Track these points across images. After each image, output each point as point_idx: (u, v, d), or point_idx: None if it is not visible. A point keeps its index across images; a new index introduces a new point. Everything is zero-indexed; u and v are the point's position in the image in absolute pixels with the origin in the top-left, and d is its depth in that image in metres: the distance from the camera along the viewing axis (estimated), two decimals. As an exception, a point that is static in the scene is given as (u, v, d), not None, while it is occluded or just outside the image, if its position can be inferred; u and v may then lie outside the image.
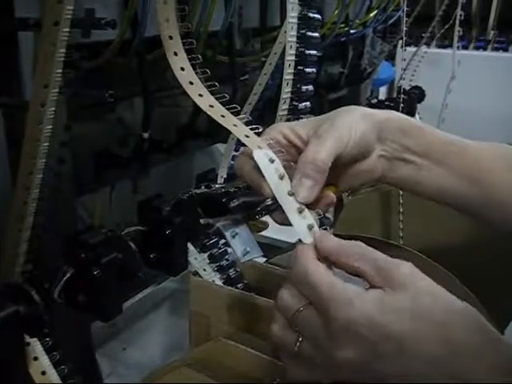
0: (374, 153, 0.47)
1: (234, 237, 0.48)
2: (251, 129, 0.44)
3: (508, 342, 0.36)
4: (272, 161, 0.41)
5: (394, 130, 0.47)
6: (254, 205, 0.52)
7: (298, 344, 0.38)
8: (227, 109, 0.45)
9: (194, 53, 0.46)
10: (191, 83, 0.45)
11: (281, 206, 0.41)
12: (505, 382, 0.34)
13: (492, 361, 0.35)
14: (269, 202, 0.44)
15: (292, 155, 0.45)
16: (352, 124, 0.45)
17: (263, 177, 0.41)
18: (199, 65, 0.46)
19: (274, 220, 0.44)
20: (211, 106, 0.44)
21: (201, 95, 0.45)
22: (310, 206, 0.42)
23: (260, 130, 0.44)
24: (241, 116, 0.45)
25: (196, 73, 0.47)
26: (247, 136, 0.43)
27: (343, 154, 0.44)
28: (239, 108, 0.46)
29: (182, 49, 0.46)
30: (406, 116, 0.49)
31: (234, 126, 0.44)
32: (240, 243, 0.48)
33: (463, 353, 0.35)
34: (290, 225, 0.41)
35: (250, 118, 0.44)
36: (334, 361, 0.37)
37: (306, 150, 0.43)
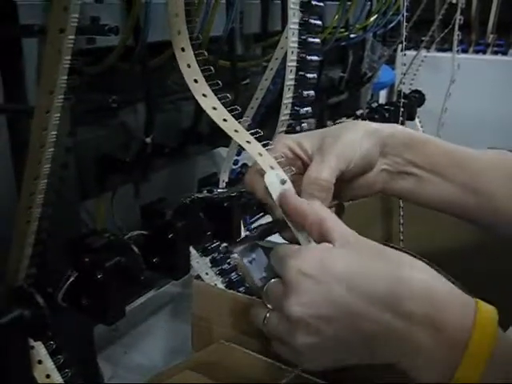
0: (376, 167, 0.48)
1: (251, 263, 0.49)
2: (262, 144, 0.44)
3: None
4: (283, 182, 0.42)
5: (398, 145, 0.48)
6: (270, 230, 0.53)
7: (265, 319, 0.39)
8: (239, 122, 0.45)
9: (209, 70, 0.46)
10: (204, 95, 0.45)
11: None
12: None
13: (450, 297, 0.35)
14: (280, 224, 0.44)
15: (298, 167, 0.46)
16: (356, 141, 0.45)
17: (273, 199, 0.42)
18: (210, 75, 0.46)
19: (284, 238, 0.44)
20: (225, 120, 0.45)
21: (215, 108, 0.45)
22: None
23: (271, 146, 0.44)
24: (253, 131, 0.46)
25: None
26: (260, 154, 0.43)
27: (347, 170, 0.45)
28: (249, 120, 0.46)
29: (195, 61, 0.46)
30: (410, 130, 0.50)
31: (248, 142, 0.44)
32: (258, 269, 0.49)
33: (418, 291, 0.35)
34: (299, 243, 0.42)
35: (261, 132, 0.44)
36: (289, 317, 0.37)
37: (309, 168, 0.44)
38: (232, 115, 0.45)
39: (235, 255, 0.51)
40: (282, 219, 0.42)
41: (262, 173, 0.42)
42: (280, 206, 0.41)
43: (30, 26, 0.54)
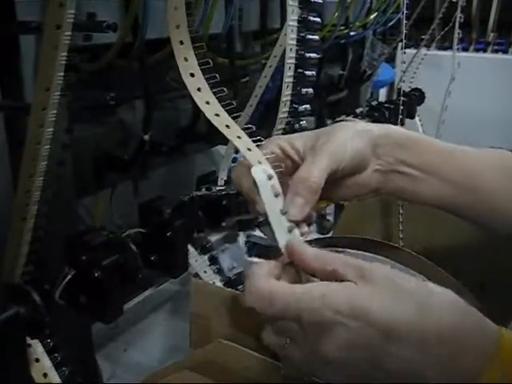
0: (369, 167, 0.48)
1: (223, 251, 0.49)
2: (253, 140, 0.44)
3: (490, 322, 0.36)
4: (270, 177, 0.42)
5: (391, 145, 0.48)
6: (248, 223, 0.53)
7: (285, 346, 0.39)
8: (232, 117, 0.45)
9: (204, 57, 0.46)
10: (199, 90, 0.45)
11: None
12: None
13: (477, 343, 0.35)
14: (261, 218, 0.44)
15: (288, 168, 0.46)
16: (347, 141, 0.45)
17: (258, 193, 0.42)
18: (208, 70, 0.46)
19: (264, 234, 0.44)
20: (217, 115, 0.44)
21: (208, 103, 0.45)
22: (300, 221, 0.43)
23: (262, 142, 0.44)
24: (246, 125, 0.45)
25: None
26: (249, 149, 0.43)
27: (338, 170, 0.45)
28: (239, 115, 0.46)
29: (193, 56, 0.45)
30: (403, 130, 0.50)
31: (238, 137, 0.44)
32: (228, 258, 0.49)
33: (449, 335, 0.35)
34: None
35: (254, 128, 0.44)
36: (322, 358, 0.37)
37: (300, 168, 0.44)
38: (226, 110, 0.44)
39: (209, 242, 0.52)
40: (264, 214, 0.42)
41: (249, 167, 0.42)
42: (287, 255, 0.41)
43: (28, 22, 0.53)
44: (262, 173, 0.42)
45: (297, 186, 0.43)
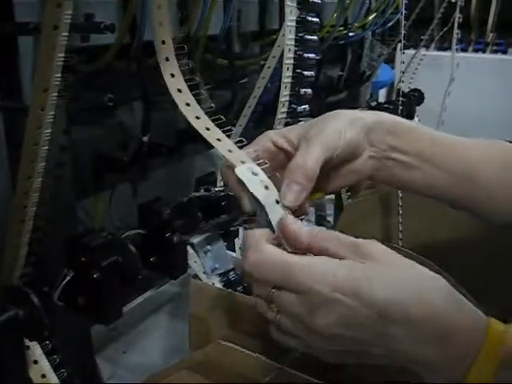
0: (363, 154, 0.48)
1: (206, 253, 0.49)
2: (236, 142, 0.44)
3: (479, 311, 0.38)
4: (255, 174, 0.42)
5: (383, 132, 0.48)
6: (228, 223, 0.53)
7: (277, 318, 0.39)
8: (213, 120, 0.45)
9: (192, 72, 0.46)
10: (188, 104, 0.45)
11: (258, 220, 0.42)
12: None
13: (465, 322, 0.36)
14: (245, 217, 0.44)
15: (281, 161, 0.46)
16: (341, 129, 0.46)
17: (247, 191, 0.42)
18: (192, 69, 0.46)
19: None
20: (197, 118, 0.45)
21: (188, 104, 0.45)
22: (296, 212, 0.43)
23: (244, 143, 0.44)
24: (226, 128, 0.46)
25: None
26: (230, 151, 0.43)
27: (332, 158, 0.45)
28: (224, 119, 0.46)
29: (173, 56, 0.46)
30: (396, 117, 0.50)
31: (218, 140, 0.44)
32: (211, 260, 0.49)
33: (442, 315, 0.36)
34: None
35: (233, 129, 0.44)
36: (315, 332, 0.37)
37: (295, 156, 0.44)
38: (206, 113, 0.45)
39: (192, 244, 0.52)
40: (250, 211, 0.42)
41: (233, 168, 0.43)
42: (281, 232, 0.41)
43: (26, 23, 0.53)
44: (247, 171, 0.42)
45: (292, 173, 0.43)
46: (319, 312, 0.36)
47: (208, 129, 0.44)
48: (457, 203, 0.50)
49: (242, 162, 0.42)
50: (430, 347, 0.36)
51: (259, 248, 0.39)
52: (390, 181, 0.50)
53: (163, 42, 0.45)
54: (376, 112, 0.50)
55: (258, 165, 0.43)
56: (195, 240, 0.49)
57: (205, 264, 0.48)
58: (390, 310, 0.36)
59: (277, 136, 0.47)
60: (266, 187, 0.42)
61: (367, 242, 0.39)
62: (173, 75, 0.45)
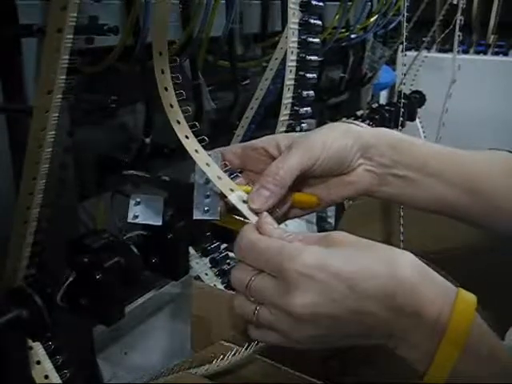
0: (358, 167, 0.48)
1: (136, 203, 0.51)
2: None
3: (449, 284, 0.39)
4: (245, 202, 0.45)
5: (384, 146, 0.48)
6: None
7: (255, 313, 0.40)
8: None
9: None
10: (178, 122, 0.46)
11: None
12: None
13: (433, 291, 0.37)
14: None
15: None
16: (328, 138, 0.47)
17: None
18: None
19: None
20: (187, 138, 0.47)
21: (179, 122, 0.47)
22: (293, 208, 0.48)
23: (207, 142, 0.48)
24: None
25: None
26: (219, 177, 0.45)
27: (315, 166, 0.46)
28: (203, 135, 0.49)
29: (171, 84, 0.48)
30: (396, 132, 0.50)
31: (207, 165, 0.46)
32: (137, 209, 0.50)
33: (408, 287, 0.37)
34: None
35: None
36: (291, 314, 0.38)
37: (272, 163, 0.46)
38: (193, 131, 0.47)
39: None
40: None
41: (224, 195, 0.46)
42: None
43: (30, 25, 0.54)
44: (237, 198, 0.45)
45: (264, 179, 0.45)
46: (294, 292, 0.37)
47: (197, 151, 0.47)
48: (460, 216, 0.50)
49: (232, 190, 0.45)
50: (404, 319, 0.37)
51: (244, 235, 0.41)
52: (391, 196, 0.50)
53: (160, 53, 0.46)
54: (376, 128, 0.51)
55: (231, 174, 0.46)
56: (137, 193, 0.51)
57: (129, 210, 0.49)
58: (360, 282, 0.37)
59: (269, 145, 0.49)
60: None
61: (334, 232, 0.40)
62: (166, 89, 0.47)
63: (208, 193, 0.46)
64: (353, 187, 0.49)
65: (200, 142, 0.48)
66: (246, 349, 0.53)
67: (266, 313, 0.39)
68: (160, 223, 0.51)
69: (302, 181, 0.48)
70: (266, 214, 0.43)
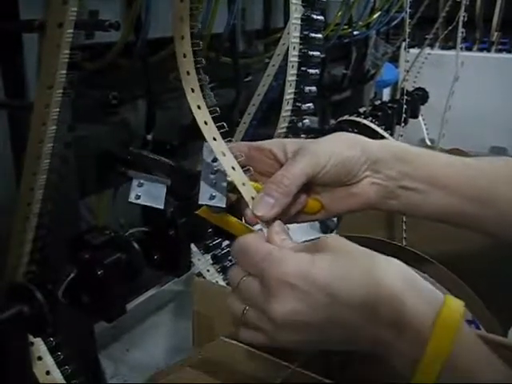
0: (364, 179, 0.48)
1: (139, 185, 0.51)
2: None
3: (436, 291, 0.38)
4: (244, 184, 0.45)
5: (391, 159, 0.48)
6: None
7: (244, 313, 0.40)
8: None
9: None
10: (199, 107, 0.46)
11: None
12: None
13: (416, 300, 0.36)
14: None
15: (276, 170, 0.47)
16: (334, 149, 0.46)
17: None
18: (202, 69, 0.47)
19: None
20: (206, 123, 0.46)
21: (199, 107, 0.46)
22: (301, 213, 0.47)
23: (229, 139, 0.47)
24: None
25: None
26: (233, 168, 0.45)
27: (320, 175, 0.46)
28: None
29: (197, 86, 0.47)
30: (403, 143, 0.50)
31: (223, 154, 0.45)
32: (139, 190, 0.50)
33: (389, 296, 0.36)
34: None
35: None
36: (272, 320, 0.38)
37: (277, 172, 0.45)
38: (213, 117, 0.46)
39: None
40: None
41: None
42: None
43: (31, 21, 0.53)
44: (247, 193, 0.44)
45: (269, 187, 0.44)
46: (275, 298, 0.38)
47: (215, 139, 0.46)
48: (468, 225, 0.49)
49: (243, 185, 0.45)
50: (386, 328, 0.36)
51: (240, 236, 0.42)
52: (403, 209, 0.50)
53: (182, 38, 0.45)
54: (383, 140, 0.50)
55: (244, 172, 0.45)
56: (140, 176, 0.51)
57: (131, 190, 0.49)
58: (340, 290, 0.37)
59: (277, 149, 0.48)
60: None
61: (326, 236, 0.40)
62: (188, 73, 0.46)
63: (215, 180, 0.45)
64: (357, 199, 0.49)
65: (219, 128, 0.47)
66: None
67: (253, 314, 0.40)
68: (162, 207, 0.50)
69: (308, 186, 0.47)
70: (278, 222, 0.43)
